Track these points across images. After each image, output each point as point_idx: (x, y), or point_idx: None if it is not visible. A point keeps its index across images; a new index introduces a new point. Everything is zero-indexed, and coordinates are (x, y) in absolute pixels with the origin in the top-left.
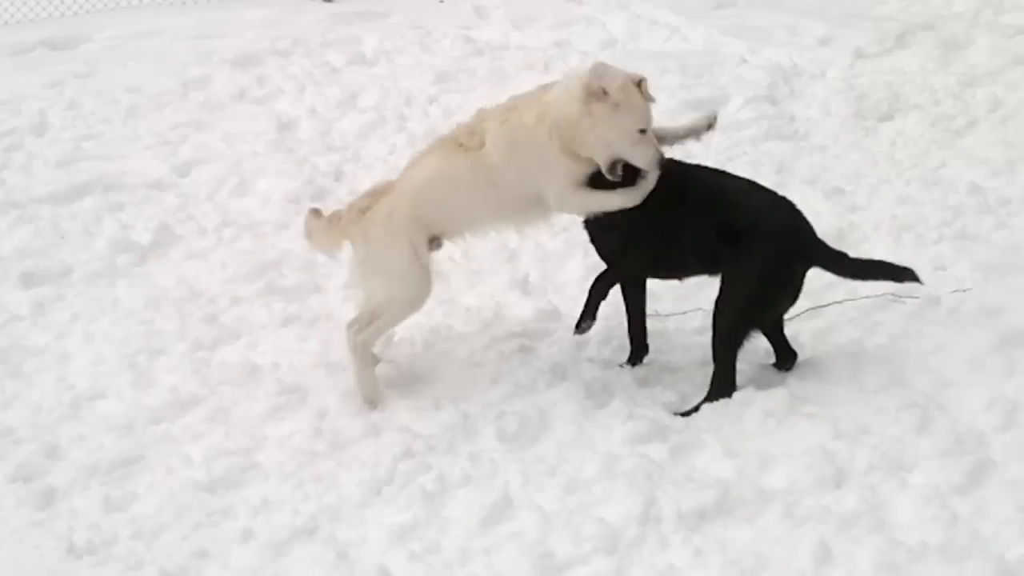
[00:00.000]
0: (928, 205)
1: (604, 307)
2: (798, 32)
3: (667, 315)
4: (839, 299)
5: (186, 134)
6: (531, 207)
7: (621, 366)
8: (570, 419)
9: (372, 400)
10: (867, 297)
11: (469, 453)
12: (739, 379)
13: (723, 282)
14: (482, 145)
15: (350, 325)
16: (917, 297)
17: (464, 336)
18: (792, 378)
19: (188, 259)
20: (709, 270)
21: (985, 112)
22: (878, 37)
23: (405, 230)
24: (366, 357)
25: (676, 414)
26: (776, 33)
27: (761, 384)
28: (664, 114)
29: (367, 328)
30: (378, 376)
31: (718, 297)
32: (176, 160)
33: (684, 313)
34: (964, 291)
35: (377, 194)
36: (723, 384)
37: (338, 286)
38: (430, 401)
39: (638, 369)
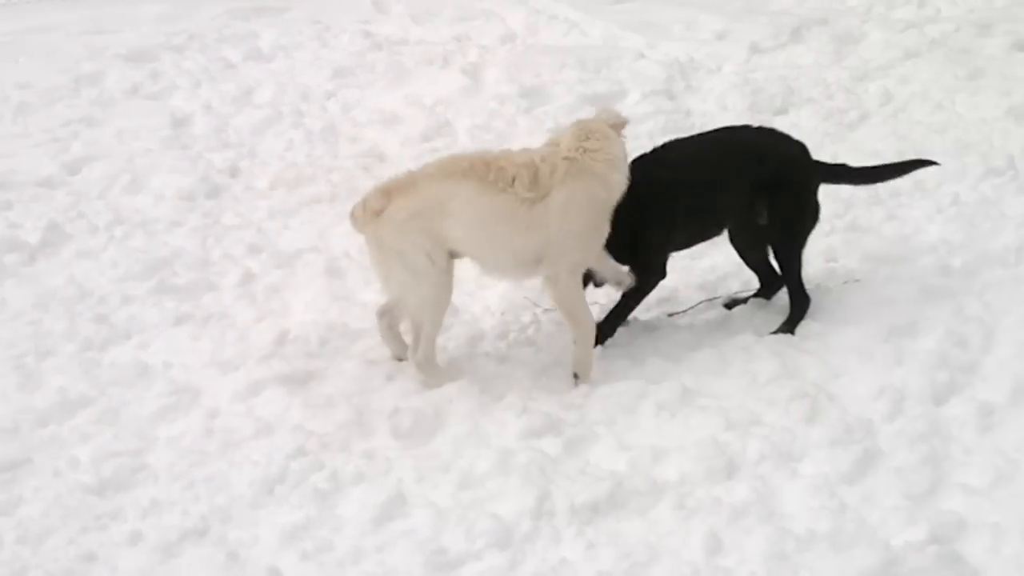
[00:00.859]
0: (821, 197)
1: (497, 302)
2: (695, 27)
3: (548, 309)
4: (736, 292)
5: (77, 131)
6: (532, 268)
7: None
8: (465, 415)
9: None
10: (755, 295)
11: (363, 451)
12: (632, 373)
13: (770, 221)
14: (545, 197)
15: (411, 350)
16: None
17: (360, 333)
18: (685, 371)
19: (78, 258)
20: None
21: (877, 106)
22: (773, 32)
23: (421, 240)
24: (433, 370)
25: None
26: (674, 28)
27: (654, 378)
28: (562, 109)
29: (419, 344)
30: (270, 375)
31: (772, 235)
32: (67, 157)
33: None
34: (855, 282)
35: (391, 192)
36: (801, 302)
37: (232, 284)
38: (324, 399)
39: (532, 363)
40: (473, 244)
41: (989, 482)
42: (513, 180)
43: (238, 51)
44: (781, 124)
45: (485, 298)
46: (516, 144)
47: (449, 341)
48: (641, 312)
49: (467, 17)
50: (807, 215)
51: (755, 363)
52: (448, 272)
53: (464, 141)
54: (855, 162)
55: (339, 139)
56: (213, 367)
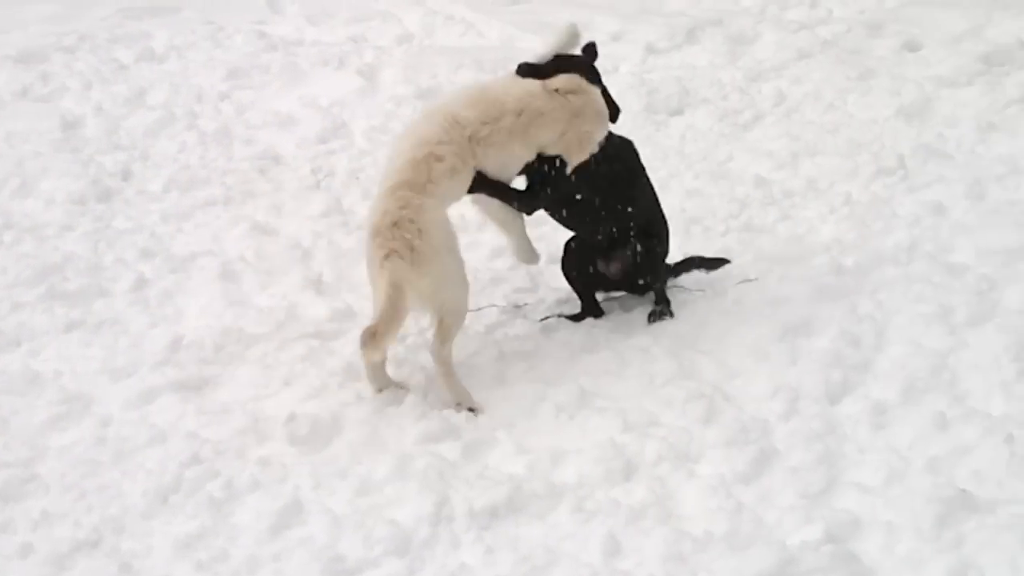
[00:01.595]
0: (716, 198)
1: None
2: (591, 28)
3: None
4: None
5: None
6: None
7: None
8: (363, 420)
9: (472, 403)
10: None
11: (259, 458)
12: (530, 375)
13: None
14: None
15: (433, 345)
16: (703, 290)
17: (255, 338)
18: (583, 373)
19: None
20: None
21: (770, 106)
22: (668, 32)
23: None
24: (451, 368)
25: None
26: None
27: (552, 380)
28: None
29: (448, 340)
30: (164, 382)
31: None
32: None
33: (479, 309)
34: (750, 282)
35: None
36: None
37: (125, 289)
38: (219, 405)
39: (430, 367)
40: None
41: (882, 480)
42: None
43: (130, 52)
44: (677, 125)
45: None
46: None
47: (346, 346)
48: (537, 312)
49: (363, 18)
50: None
51: (652, 364)
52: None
53: (361, 143)
54: (752, 163)
55: (233, 141)
56: (105, 374)
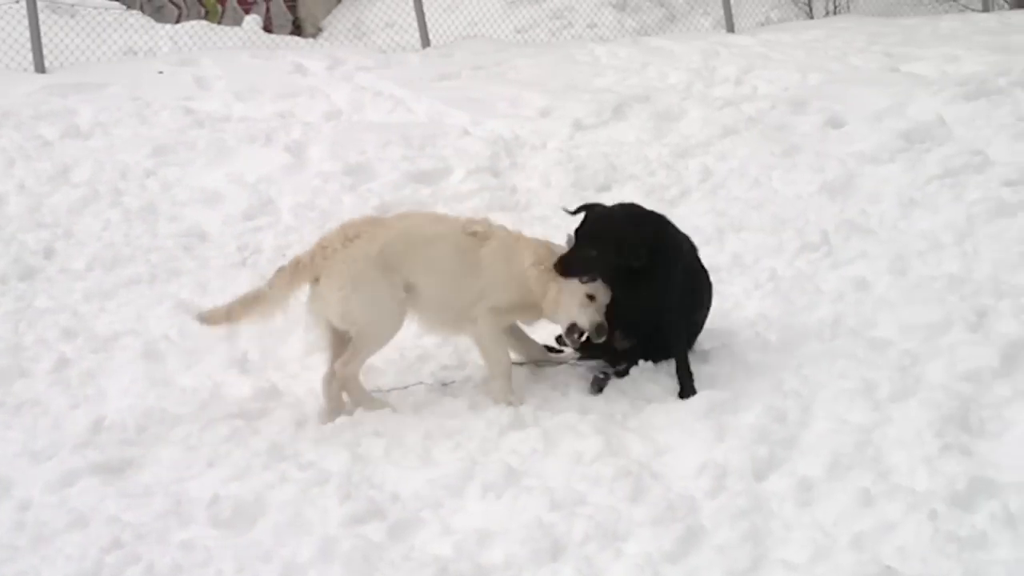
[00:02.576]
0: None
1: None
2: (519, 104)
3: (388, 390)
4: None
5: None
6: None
7: None
8: (287, 501)
9: (381, 407)
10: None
11: (181, 541)
12: (459, 454)
13: None
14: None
15: (340, 364)
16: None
17: (179, 418)
18: (511, 451)
19: None
20: None
21: (697, 182)
22: (596, 109)
23: (387, 271)
24: (357, 385)
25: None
26: (498, 105)
27: (480, 459)
28: (387, 186)
29: (352, 361)
30: (85, 464)
31: None
32: None
33: (405, 387)
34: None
35: (350, 236)
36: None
37: (46, 369)
38: (141, 488)
39: (354, 448)
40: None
41: (808, 558)
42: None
43: (55, 128)
44: (604, 200)
45: (310, 380)
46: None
47: (271, 425)
48: (464, 390)
49: (291, 94)
50: None
51: (580, 441)
52: (402, 309)
53: (287, 219)
54: None
55: (159, 218)
56: (25, 456)
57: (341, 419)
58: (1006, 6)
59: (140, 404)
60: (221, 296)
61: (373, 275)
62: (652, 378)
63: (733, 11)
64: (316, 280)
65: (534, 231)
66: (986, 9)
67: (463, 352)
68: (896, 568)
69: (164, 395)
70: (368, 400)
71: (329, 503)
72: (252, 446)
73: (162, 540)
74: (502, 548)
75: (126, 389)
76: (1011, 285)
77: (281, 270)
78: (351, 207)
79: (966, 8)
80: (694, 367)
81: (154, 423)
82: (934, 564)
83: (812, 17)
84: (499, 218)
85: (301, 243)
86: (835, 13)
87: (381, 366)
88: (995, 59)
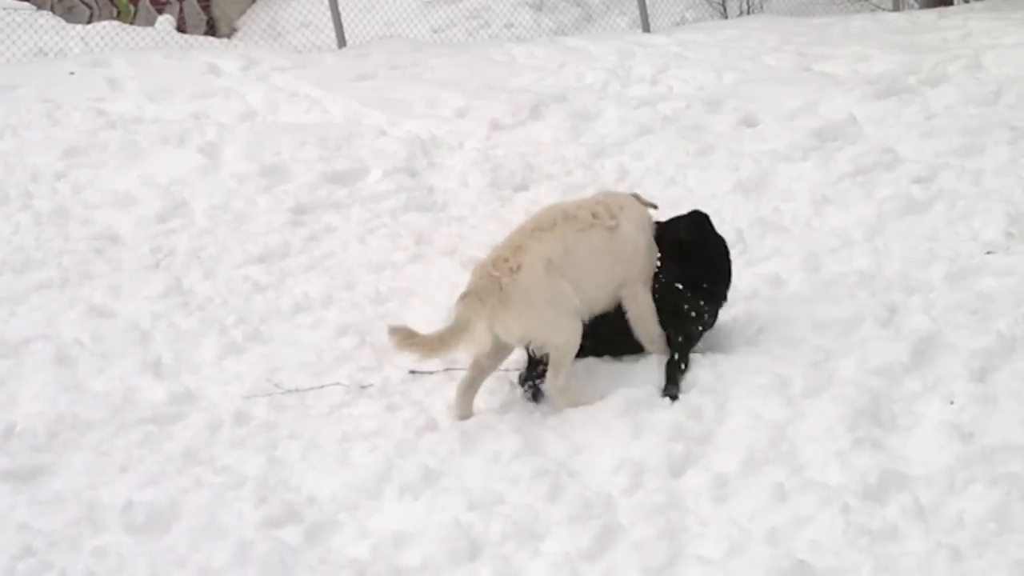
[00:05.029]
0: None
1: (237, 387)
2: (436, 104)
3: (306, 389)
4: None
5: None
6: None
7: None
8: (202, 506)
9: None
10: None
11: (94, 548)
12: (376, 456)
13: None
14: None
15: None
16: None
17: (91, 424)
18: (429, 452)
19: None
20: None
21: (613, 181)
22: (513, 109)
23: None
24: (575, 392)
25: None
26: (415, 105)
27: (397, 460)
28: (303, 187)
29: (559, 373)
30: None
31: None
32: None
33: (322, 387)
34: (594, 356)
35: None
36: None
37: None
38: (52, 495)
39: (270, 449)
40: (587, 277)
41: (723, 553)
42: (594, 216)
43: None
44: (521, 200)
45: (225, 382)
46: (256, 224)
47: (186, 430)
48: (385, 392)
49: (205, 95)
50: None
51: (498, 441)
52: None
53: (202, 222)
54: None
55: (70, 221)
56: None
57: (256, 422)
58: (916, 5)
59: (51, 409)
60: (134, 299)
61: (551, 292)
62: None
63: (649, 11)
64: (496, 305)
65: (450, 231)
66: (896, 8)
67: (381, 353)
68: (809, 562)
69: (76, 400)
70: (589, 398)
71: (244, 507)
72: (166, 451)
73: (75, 547)
74: (419, 549)
75: (37, 394)
76: (920, 281)
77: (460, 305)
78: (266, 208)
79: (877, 8)
80: (612, 365)
81: (66, 429)
82: (846, 557)
83: (726, 17)
84: (415, 219)
85: (216, 245)
86: (749, 13)
87: (296, 367)
88: (905, 58)
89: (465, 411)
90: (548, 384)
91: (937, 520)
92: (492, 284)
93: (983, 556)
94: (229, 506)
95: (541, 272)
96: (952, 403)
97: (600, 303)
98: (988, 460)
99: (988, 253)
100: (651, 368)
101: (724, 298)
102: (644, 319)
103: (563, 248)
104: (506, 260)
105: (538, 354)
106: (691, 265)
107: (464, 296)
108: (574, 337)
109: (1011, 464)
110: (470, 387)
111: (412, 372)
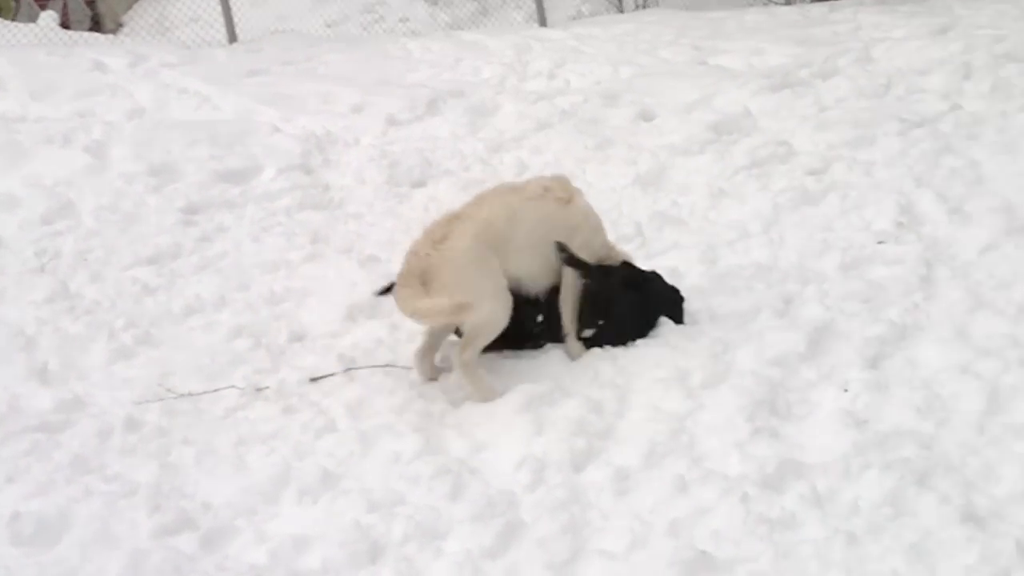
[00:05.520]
0: None
1: (129, 393)
2: (331, 100)
3: (200, 393)
4: (380, 364)
5: None
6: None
7: None
8: (93, 515)
9: (492, 396)
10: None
11: None
12: (273, 459)
13: None
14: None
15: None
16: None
17: None
18: (327, 454)
19: None
20: None
21: (512, 176)
22: (409, 104)
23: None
24: (476, 373)
25: None
26: (309, 101)
27: (295, 463)
28: (194, 186)
29: (469, 349)
30: None
31: None
32: None
33: (216, 391)
34: (496, 352)
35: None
36: None
37: None
38: None
39: (162, 456)
40: (531, 246)
41: (626, 546)
42: (545, 189)
43: None
44: (420, 196)
45: (115, 388)
46: (146, 225)
47: (74, 436)
48: (280, 395)
49: (91, 92)
50: None
51: (398, 441)
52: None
53: (89, 223)
54: None
55: None
56: None
57: (148, 428)
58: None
59: None
60: (17, 304)
61: (478, 263)
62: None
63: (545, 5)
64: (422, 284)
65: (347, 229)
66: (788, 2)
67: (277, 355)
68: (711, 552)
69: None
70: (485, 390)
71: (137, 515)
72: (54, 459)
73: None
74: (320, 553)
75: None
76: (815, 272)
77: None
78: (156, 208)
79: (770, 2)
80: (512, 361)
81: None
82: (747, 546)
83: (622, 11)
84: (311, 217)
85: (103, 247)
86: (644, 7)
87: (189, 371)
88: (798, 51)
89: (428, 373)
90: (454, 356)
91: (833, 507)
92: (416, 265)
93: (879, 541)
94: (121, 515)
95: (469, 241)
96: (846, 391)
97: (543, 279)
98: (882, 446)
99: (879, 243)
100: (551, 363)
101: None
102: (569, 299)
103: (507, 214)
104: (432, 233)
105: (463, 327)
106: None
107: (396, 287)
108: (495, 317)
109: (904, 450)
110: (427, 352)
111: (313, 379)
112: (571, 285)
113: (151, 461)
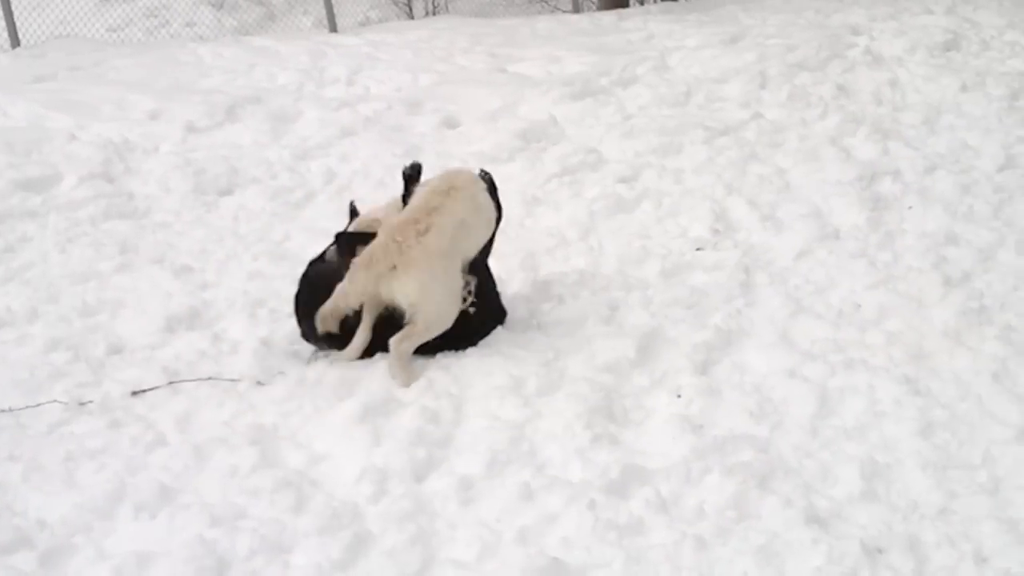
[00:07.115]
0: (279, 279)
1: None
2: (126, 106)
3: (21, 408)
4: (204, 376)
5: None
6: None
7: None
8: None
9: (409, 382)
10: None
11: None
12: (105, 474)
13: None
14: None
15: (396, 340)
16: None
17: None
18: (161, 468)
19: None
20: None
21: (321, 184)
22: (208, 111)
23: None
24: (407, 361)
25: None
26: (103, 108)
27: (128, 478)
28: None
29: (411, 340)
30: None
31: None
32: None
33: (38, 406)
34: (324, 357)
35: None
36: None
37: None
38: None
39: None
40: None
41: (476, 555)
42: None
43: None
44: (228, 205)
45: None
46: None
47: None
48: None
49: None
50: None
51: (233, 454)
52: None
53: None
54: (310, 242)
55: None
56: None
57: None
58: (594, 7)
59: None
60: None
61: (447, 267)
62: (298, 387)
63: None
64: (392, 268)
65: (156, 238)
66: (577, 10)
67: (97, 368)
68: (562, 559)
69: None
70: (410, 378)
71: None
72: None
73: None
74: (164, 569)
75: None
76: (637, 278)
77: (355, 265)
78: None
79: (557, 9)
80: (343, 371)
81: None
82: (597, 552)
83: (413, 17)
84: (118, 226)
85: None
86: (435, 13)
87: (7, 385)
88: (594, 59)
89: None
90: (392, 341)
91: (679, 511)
92: (390, 250)
93: (727, 544)
94: None
95: (447, 242)
96: (679, 396)
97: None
98: (720, 450)
99: (698, 250)
100: (382, 373)
101: None
102: None
103: (474, 207)
104: (416, 222)
105: (407, 320)
106: None
107: (356, 262)
108: (448, 318)
109: (742, 454)
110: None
111: (135, 393)
112: None
113: None
